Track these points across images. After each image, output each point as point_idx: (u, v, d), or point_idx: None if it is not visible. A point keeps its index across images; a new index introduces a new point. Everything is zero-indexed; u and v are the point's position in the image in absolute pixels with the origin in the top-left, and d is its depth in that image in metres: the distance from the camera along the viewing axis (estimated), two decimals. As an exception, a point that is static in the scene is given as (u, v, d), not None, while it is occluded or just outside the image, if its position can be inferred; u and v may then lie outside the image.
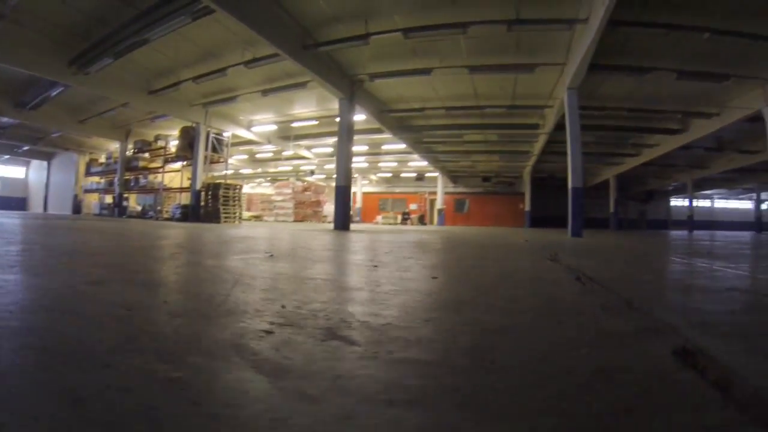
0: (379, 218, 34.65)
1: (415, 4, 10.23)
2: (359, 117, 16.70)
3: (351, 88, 14.36)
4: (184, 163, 21.30)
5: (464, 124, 20.04)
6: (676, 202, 45.18)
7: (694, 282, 3.65)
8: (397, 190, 40.54)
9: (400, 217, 34.89)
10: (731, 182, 36.49)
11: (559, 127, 16.34)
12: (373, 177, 39.46)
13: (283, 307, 1.92)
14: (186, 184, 20.77)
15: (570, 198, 12.94)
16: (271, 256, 4.41)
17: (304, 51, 11.59)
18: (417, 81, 14.65)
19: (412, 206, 38.43)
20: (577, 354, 1.41)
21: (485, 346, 1.49)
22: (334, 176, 35.98)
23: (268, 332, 1.48)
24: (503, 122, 19.59)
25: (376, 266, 3.88)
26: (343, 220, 14.23)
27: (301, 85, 14.62)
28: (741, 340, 1.63)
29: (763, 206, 43.36)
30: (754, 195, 42.13)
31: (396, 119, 19.54)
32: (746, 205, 48.45)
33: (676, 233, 24.01)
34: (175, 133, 21.22)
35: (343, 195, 14.39)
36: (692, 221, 36.82)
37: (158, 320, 1.62)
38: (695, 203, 39.85)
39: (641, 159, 26.66)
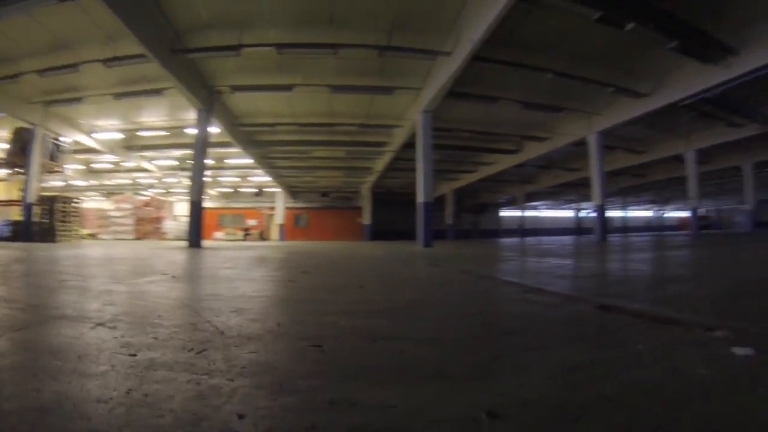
0: (219, 234, 32.98)
1: (293, 20, 10.26)
2: (212, 130, 15.96)
3: (210, 98, 13.68)
4: (11, 171, 17.57)
5: (314, 141, 20.29)
6: (506, 212, 50.80)
7: (562, 273, 4.67)
8: (236, 205, 39.05)
9: (241, 233, 33.76)
10: (556, 195, 42.87)
11: (407, 145, 17.85)
12: (211, 192, 37.79)
13: (278, 324, 2.01)
14: (16, 195, 17.20)
15: (422, 212, 14.07)
16: (173, 277, 4.15)
17: (171, 55, 10.75)
18: (275, 96, 14.59)
19: (251, 222, 37.47)
20: (547, 314, 2.30)
21: (488, 322, 2.02)
22: (174, 190, 34.86)
23: (317, 346, 1.61)
24: (353, 140, 20.24)
25: (291, 281, 4.00)
26: (196, 237, 13.47)
27: (157, 92, 13.45)
28: (628, 299, 2.61)
29: (582, 214, 54.48)
30: (575, 205, 51.56)
31: (247, 133, 19.01)
32: (568, 213, 57.73)
33: (513, 240, 27.53)
34: (3, 134, 17.48)
35: (197, 211, 13.60)
36: (523, 229, 42.08)
37: (215, 357, 1.47)
38: (524, 213, 45.43)
39: (478, 175, 29.90)
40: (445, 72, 11.44)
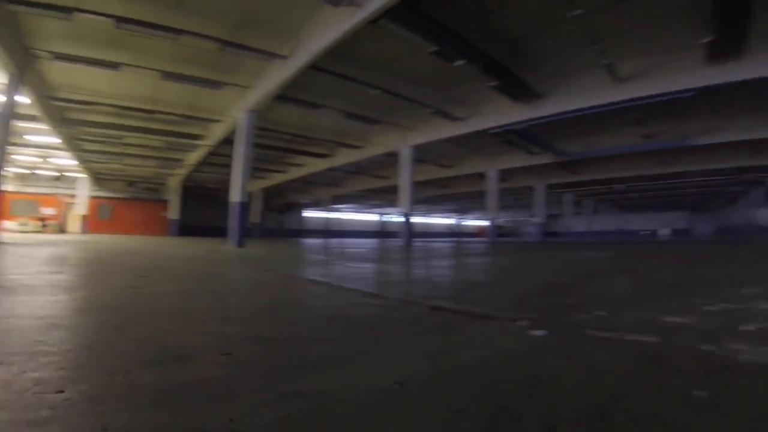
0: (10, 224, 26.69)
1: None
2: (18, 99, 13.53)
3: (25, 62, 11.43)
4: None
5: (130, 126, 18.61)
6: (310, 213, 52.22)
7: (386, 279, 5.36)
8: (31, 190, 32.45)
9: (37, 224, 28.89)
10: (363, 199, 45.10)
11: (225, 141, 17.76)
12: (3, 173, 31.34)
13: (169, 334, 2.12)
14: None
15: (236, 211, 14.15)
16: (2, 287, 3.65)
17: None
18: (98, 72, 12.85)
19: (48, 210, 31.96)
20: (392, 315, 2.84)
21: (349, 323, 2.32)
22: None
23: (227, 353, 1.81)
24: (171, 129, 19.20)
25: (137, 287, 3.88)
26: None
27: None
28: (451, 301, 3.26)
29: (386, 218, 59.15)
30: (380, 209, 55.06)
31: (59, 108, 16.34)
32: (373, 217, 61.36)
33: (321, 241, 28.45)
34: None
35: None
36: (328, 231, 43.95)
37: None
38: (329, 215, 47.30)
39: (288, 176, 30.42)
40: (278, 75, 11.64)
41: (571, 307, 3.03)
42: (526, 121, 15.69)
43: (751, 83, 11.66)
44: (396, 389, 1.39)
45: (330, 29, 9.36)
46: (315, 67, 11.20)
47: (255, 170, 27.92)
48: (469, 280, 5.37)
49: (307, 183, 34.61)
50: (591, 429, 1.07)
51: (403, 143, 19.78)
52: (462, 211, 60.91)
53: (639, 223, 48.41)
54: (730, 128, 18.17)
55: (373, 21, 8.69)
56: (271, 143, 21.02)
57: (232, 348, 1.87)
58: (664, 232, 45.22)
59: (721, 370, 1.59)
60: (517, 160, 24.59)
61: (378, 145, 20.84)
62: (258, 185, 34.27)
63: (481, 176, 27.57)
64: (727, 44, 10.51)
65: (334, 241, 29.97)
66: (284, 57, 11.11)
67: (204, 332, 2.17)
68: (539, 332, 2.18)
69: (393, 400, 1.31)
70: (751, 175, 28.61)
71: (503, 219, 56.98)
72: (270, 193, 37.84)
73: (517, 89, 13.57)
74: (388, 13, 8.47)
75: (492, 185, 26.44)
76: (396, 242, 22.98)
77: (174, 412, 1.19)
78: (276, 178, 31.77)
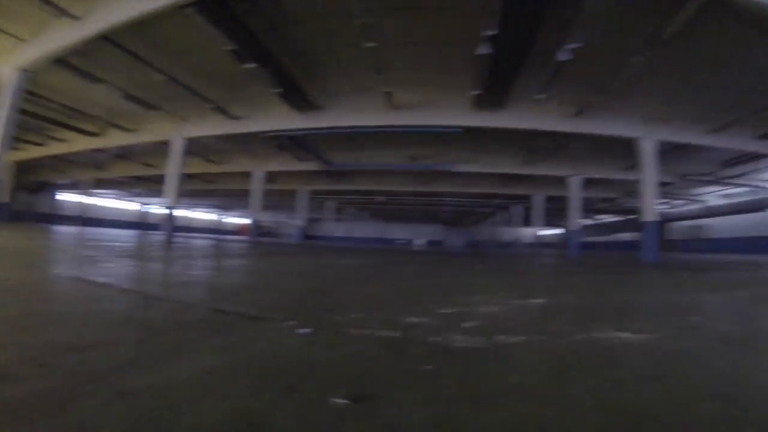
0: None
1: None
2: None
3: None
4: None
5: None
6: (65, 195, 45.36)
7: (161, 280, 5.45)
8: None
9: None
10: (126, 186, 40.60)
11: None
12: None
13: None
14: None
15: None
16: None
17: None
18: None
19: None
20: (182, 317, 2.81)
21: (148, 327, 2.54)
22: None
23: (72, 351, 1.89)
24: None
25: None
26: None
27: None
28: (230, 304, 3.47)
29: (147, 208, 55.73)
30: (142, 198, 51.11)
31: None
32: (133, 205, 55.83)
33: (78, 230, 24.80)
34: None
35: None
36: (85, 218, 39.09)
37: None
38: (87, 200, 42.13)
39: (48, 151, 26.04)
40: (65, 35, 10.26)
41: (330, 310, 3.59)
42: (302, 129, 16.63)
43: (504, 130, 14.71)
44: (207, 377, 1.77)
45: (135, 3, 8.72)
46: (105, 37, 10.16)
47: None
48: (238, 283, 5.64)
49: (68, 162, 29.62)
50: (350, 390, 1.68)
51: (178, 134, 18.86)
52: (225, 208, 59.58)
53: (397, 232, 53.83)
54: (485, 162, 22.60)
55: (181, 6, 8.49)
56: (34, 110, 17.56)
57: (46, 358, 1.86)
58: (420, 242, 50.96)
59: (441, 353, 2.34)
60: (286, 164, 25.60)
61: (151, 131, 19.40)
62: (9, 158, 28.32)
63: (247, 175, 27.77)
64: (491, 98, 13.29)
65: (92, 230, 25.91)
66: (76, 17, 9.73)
67: (3, 345, 2.03)
68: (306, 330, 2.71)
69: (209, 384, 1.70)
70: (498, 201, 35.38)
71: (266, 219, 57.60)
72: (22, 168, 31.61)
73: (299, 99, 14.42)
74: (197, 3, 8.40)
75: (257, 185, 26.93)
76: (157, 236, 21.47)
77: (29, 426, 1.24)
78: (32, 152, 26.13)
